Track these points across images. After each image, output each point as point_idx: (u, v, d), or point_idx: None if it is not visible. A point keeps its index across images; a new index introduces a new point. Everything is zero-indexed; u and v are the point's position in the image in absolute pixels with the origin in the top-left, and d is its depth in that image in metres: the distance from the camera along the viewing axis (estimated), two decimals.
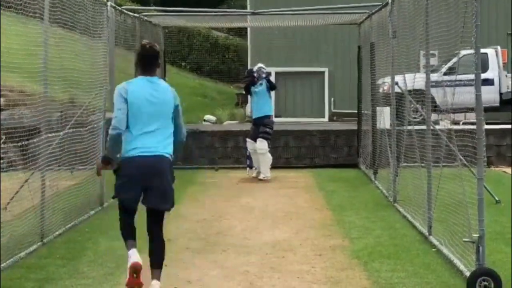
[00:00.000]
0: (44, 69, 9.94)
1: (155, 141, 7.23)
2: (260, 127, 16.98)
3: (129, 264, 7.11)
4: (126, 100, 7.17)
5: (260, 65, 17.62)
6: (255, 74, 17.22)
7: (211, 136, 19.85)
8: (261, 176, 16.98)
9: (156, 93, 7.30)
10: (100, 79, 12.99)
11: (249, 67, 27.33)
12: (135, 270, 7.04)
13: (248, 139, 17.31)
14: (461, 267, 8.07)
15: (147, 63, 7.38)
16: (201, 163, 19.40)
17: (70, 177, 11.75)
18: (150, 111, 7.22)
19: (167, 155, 7.30)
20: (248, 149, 17.33)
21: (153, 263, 7.26)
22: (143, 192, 7.29)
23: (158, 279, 7.21)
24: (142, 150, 7.19)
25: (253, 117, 17.48)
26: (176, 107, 7.42)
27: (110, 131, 7.18)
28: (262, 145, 16.92)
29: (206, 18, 19.87)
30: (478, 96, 7.87)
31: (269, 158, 17.04)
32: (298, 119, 25.57)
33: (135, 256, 7.12)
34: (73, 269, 8.56)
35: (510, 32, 25.36)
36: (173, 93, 7.46)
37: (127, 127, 7.19)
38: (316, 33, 25.91)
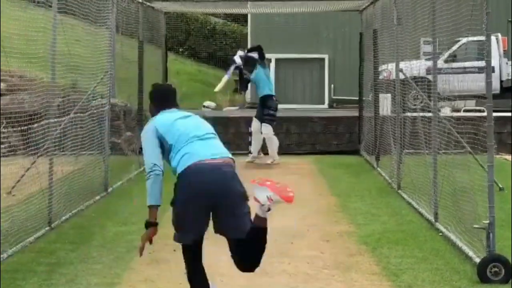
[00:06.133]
0: (53, 55, 9.95)
1: (213, 143, 6.19)
2: (264, 109, 17.05)
3: None
4: (156, 134, 6.08)
5: (240, 52, 17.77)
6: (238, 61, 17.36)
7: (212, 122, 19.76)
8: (269, 161, 17.13)
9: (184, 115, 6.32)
10: (105, 66, 13.00)
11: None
12: None
13: (254, 117, 17.41)
14: (470, 253, 8.12)
15: (162, 98, 6.47)
16: None
17: (74, 162, 11.76)
18: (188, 122, 6.23)
19: (228, 162, 6.10)
20: (251, 128, 17.39)
21: None
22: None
23: None
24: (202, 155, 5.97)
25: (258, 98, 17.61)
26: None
27: (147, 176, 6.05)
28: (266, 129, 17.02)
29: (208, 4, 19.84)
30: (488, 84, 7.86)
31: (275, 141, 17.19)
32: (298, 106, 25.59)
33: None
34: (83, 254, 8.60)
35: (510, 20, 25.37)
36: None
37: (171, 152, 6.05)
38: (316, 20, 25.90)
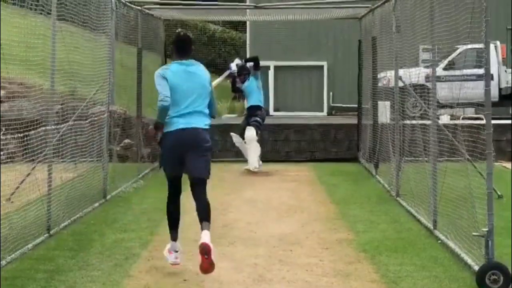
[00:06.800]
0: (52, 62, 9.96)
1: (193, 116, 8.10)
2: (252, 116, 17.10)
3: (169, 261, 8.32)
4: (166, 79, 8.12)
5: (237, 61, 17.80)
6: (233, 69, 17.45)
7: (211, 129, 19.76)
8: (250, 167, 16.94)
9: (192, 72, 8.22)
10: (104, 73, 13.01)
11: None
12: (175, 264, 8.27)
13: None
14: (469, 261, 8.12)
15: (180, 47, 8.31)
16: None
17: (73, 169, 11.76)
18: (187, 88, 8.13)
19: (198, 126, 8.12)
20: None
21: (200, 218, 8.06)
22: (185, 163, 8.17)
23: (208, 229, 7.90)
24: (178, 125, 8.07)
25: (246, 108, 17.75)
26: (210, 83, 8.35)
27: (158, 103, 8.04)
28: (249, 132, 16.90)
29: (207, 11, 19.85)
30: (487, 91, 7.86)
31: (256, 147, 17.00)
32: (296, 113, 25.59)
33: (172, 257, 8.33)
34: (82, 261, 8.59)
35: (510, 27, 25.40)
36: (206, 71, 8.41)
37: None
38: (315, 27, 25.91)
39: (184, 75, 8.16)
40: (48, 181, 10.02)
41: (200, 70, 8.32)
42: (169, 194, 8.44)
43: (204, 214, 8.05)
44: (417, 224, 10.69)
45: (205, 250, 7.59)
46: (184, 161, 8.12)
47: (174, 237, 8.40)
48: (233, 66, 17.60)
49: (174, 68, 8.22)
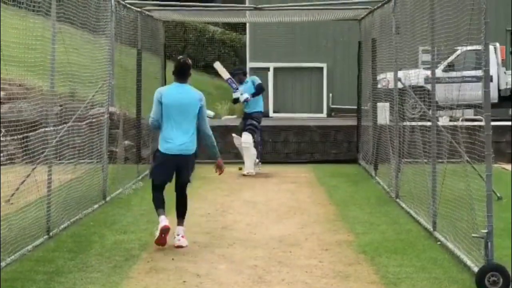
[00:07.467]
0: (51, 64, 9.96)
1: (180, 138, 9.46)
2: (248, 119, 17.12)
3: (159, 226, 9.30)
4: (160, 102, 9.49)
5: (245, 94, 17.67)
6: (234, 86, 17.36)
7: (211, 130, 19.73)
8: (244, 172, 17.03)
9: (182, 95, 9.48)
10: (103, 74, 13.01)
11: (247, 62, 27.37)
12: (164, 231, 9.24)
13: (234, 135, 17.38)
14: (468, 262, 8.13)
15: (179, 72, 9.63)
16: (200, 158, 19.30)
17: (72, 170, 11.76)
18: (178, 109, 9.43)
19: (187, 153, 9.54)
20: (236, 145, 17.44)
21: (177, 213, 9.73)
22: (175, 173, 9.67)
23: (182, 224, 9.63)
24: (170, 148, 9.47)
25: (244, 111, 17.65)
26: (200, 107, 9.50)
27: (150, 124, 9.78)
28: (246, 138, 17.00)
29: (207, 13, 19.85)
30: (486, 93, 7.87)
31: (252, 152, 17.11)
32: (296, 115, 25.60)
33: (165, 221, 9.32)
34: (82, 263, 8.59)
35: (509, 29, 25.41)
36: (199, 95, 9.57)
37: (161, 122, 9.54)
38: (315, 29, 25.92)
39: (176, 99, 9.43)
40: (47, 182, 10.02)
41: (191, 94, 9.54)
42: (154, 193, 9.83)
43: (180, 211, 9.75)
44: (417, 225, 10.69)
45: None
46: (174, 173, 9.67)
47: (161, 213, 9.47)
48: (239, 93, 17.34)
49: (170, 88, 9.67)
